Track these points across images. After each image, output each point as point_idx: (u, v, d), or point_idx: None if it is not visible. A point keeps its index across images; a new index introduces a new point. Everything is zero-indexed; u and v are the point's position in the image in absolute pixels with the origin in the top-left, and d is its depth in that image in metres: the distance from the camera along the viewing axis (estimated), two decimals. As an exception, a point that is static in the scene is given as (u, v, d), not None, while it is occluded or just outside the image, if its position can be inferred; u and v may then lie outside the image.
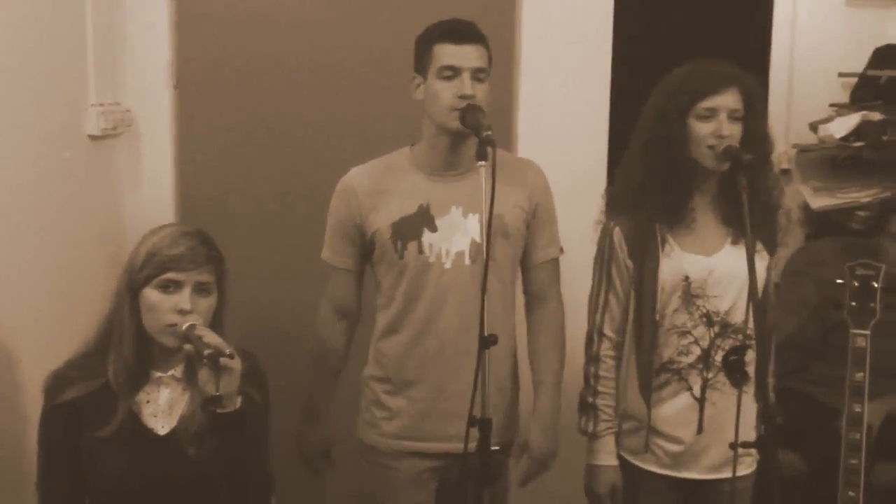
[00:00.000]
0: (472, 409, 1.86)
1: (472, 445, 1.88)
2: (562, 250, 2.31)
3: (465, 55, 2.10)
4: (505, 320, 2.21)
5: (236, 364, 1.71)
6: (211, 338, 1.72)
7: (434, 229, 2.16)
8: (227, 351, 1.70)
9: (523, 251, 2.25)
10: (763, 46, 3.01)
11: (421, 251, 2.16)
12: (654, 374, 2.13)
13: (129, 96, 2.79)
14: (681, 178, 2.08)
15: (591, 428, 2.18)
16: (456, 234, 2.17)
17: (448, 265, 2.16)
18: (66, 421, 1.80)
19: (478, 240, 2.15)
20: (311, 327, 2.33)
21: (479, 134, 1.93)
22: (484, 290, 1.87)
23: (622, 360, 2.18)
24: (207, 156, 2.86)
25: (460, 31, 2.11)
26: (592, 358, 2.19)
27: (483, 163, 1.89)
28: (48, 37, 2.36)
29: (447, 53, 2.10)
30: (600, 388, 2.18)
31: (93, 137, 2.59)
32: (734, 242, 2.12)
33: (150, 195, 2.84)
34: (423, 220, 2.16)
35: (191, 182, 2.87)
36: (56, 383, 1.83)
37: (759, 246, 2.10)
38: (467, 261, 2.16)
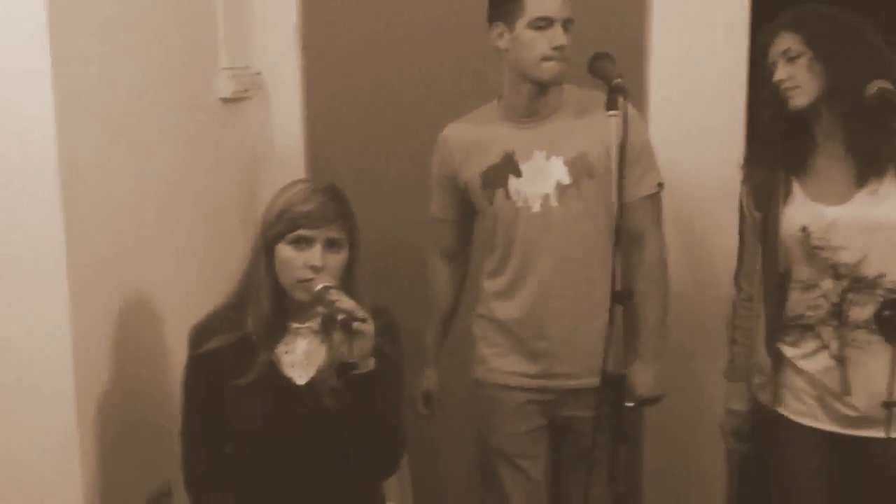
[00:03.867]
0: (605, 365, 1.84)
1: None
2: (661, 185, 2.28)
3: (558, 6, 2.14)
4: (603, 261, 2.15)
5: (369, 328, 1.73)
6: (344, 302, 1.74)
7: (519, 174, 2.23)
8: (360, 315, 1.72)
9: None
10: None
11: (508, 197, 2.23)
12: (784, 329, 2.07)
13: (258, 59, 2.84)
14: (793, 125, 2.05)
15: (726, 372, 2.25)
16: (540, 178, 2.22)
17: (536, 209, 2.22)
18: (209, 369, 1.87)
19: (563, 181, 2.20)
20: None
21: (609, 82, 1.88)
22: (616, 245, 1.85)
23: (756, 311, 2.17)
24: (336, 115, 2.89)
25: None
26: (732, 305, 2.24)
27: (614, 112, 1.84)
28: (181, 3, 2.43)
29: (541, 5, 2.13)
30: (736, 336, 2.23)
31: (224, 100, 2.65)
32: (868, 189, 2.00)
33: (281, 156, 2.89)
34: (508, 166, 2.23)
35: (320, 142, 2.91)
36: (200, 334, 1.90)
37: None
38: (554, 202, 2.21)
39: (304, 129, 2.91)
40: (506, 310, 2.29)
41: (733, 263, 2.24)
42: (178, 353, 2.08)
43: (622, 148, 1.81)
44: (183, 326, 1.97)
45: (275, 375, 1.86)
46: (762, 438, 2.20)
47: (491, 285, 2.32)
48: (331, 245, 1.82)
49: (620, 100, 1.84)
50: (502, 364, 2.31)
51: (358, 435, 1.80)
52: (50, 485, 1.92)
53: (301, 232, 1.81)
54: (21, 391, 1.91)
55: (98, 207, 2.00)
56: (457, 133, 2.31)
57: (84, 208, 1.93)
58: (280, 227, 1.82)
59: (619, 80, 1.87)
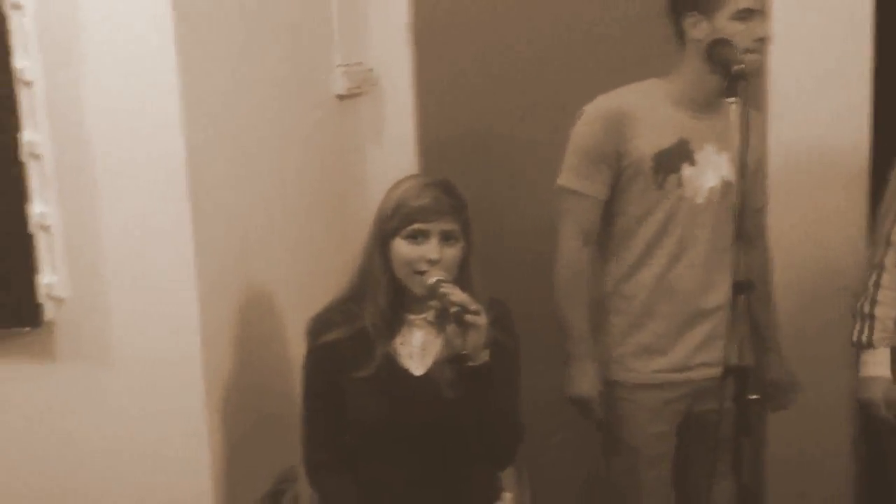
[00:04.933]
0: (728, 358, 1.82)
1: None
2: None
3: None
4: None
5: (482, 320, 1.74)
6: (457, 295, 1.76)
7: (693, 163, 2.18)
8: (473, 307, 1.74)
9: None
10: None
11: (680, 184, 2.18)
12: None
13: (371, 56, 2.88)
14: None
15: (865, 337, 2.15)
16: (709, 171, 2.18)
17: (700, 200, 2.18)
18: (329, 360, 1.92)
19: (727, 177, 2.17)
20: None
21: (729, 68, 1.85)
22: (739, 233, 1.83)
23: None
24: (447, 110, 2.91)
25: None
26: (876, 265, 2.16)
27: (733, 99, 1.81)
28: (298, 2, 2.49)
29: None
30: (880, 298, 2.15)
31: (339, 97, 2.71)
32: None
33: (393, 150, 2.93)
34: (683, 153, 2.18)
35: (432, 137, 2.93)
36: (318, 325, 1.95)
37: None
38: (717, 197, 2.18)
39: (416, 125, 2.94)
40: (646, 303, 2.23)
41: (855, 252, 2.18)
42: (297, 345, 2.14)
43: (744, 132, 1.79)
44: (301, 319, 2.02)
45: (393, 367, 1.90)
46: None
47: (630, 275, 2.24)
48: (446, 238, 1.85)
49: (740, 87, 1.81)
50: (640, 364, 2.26)
51: (474, 426, 1.82)
52: (181, 473, 2.00)
53: (416, 226, 1.84)
54: (153, 384, 1.99)
55: (223, 205, 2.07)
56: (623, 106, 2.20)
57: (210, 206, 2.00)
58: (395, 222, 1.86)
59: (740, 66, 1.83)
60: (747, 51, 2.06)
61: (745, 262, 2.14)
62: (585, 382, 2.26)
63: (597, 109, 2.21)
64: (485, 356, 1.76)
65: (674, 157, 2.17)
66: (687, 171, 2.17)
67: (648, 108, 2.18)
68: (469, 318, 1.73)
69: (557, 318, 2.28)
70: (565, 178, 2.24)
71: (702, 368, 2.23)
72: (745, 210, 1.99)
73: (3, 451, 2.08)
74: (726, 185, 2.18)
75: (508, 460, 1.93)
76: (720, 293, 2.16)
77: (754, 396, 1.82)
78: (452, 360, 1.78)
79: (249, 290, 2.18)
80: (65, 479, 2.07)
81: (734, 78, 1.83)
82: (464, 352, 1.75)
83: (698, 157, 2.18)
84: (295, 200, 2.44)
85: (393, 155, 2.91)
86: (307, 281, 2.43)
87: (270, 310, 2.30)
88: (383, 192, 1.97)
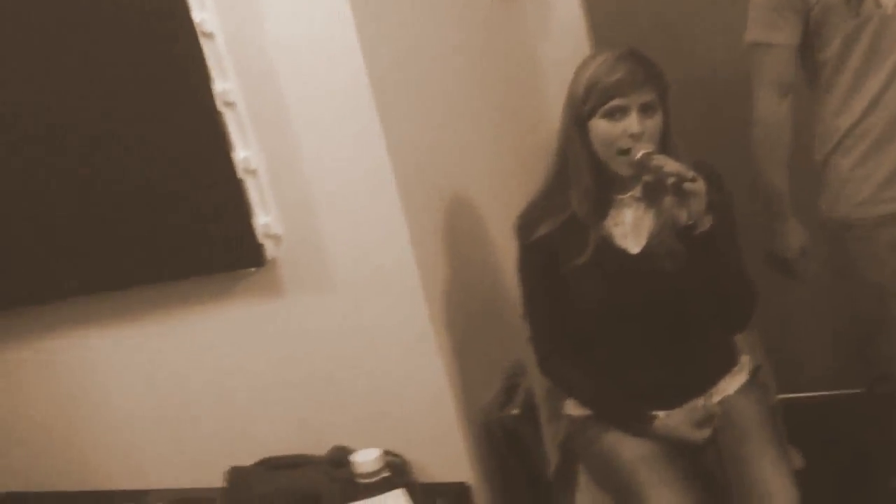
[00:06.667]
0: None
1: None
2: None
3: None
4: None
5: (700, 186, 1.70)
6: (670, 165, 1.72)
7: None
8: (689, 175, 1.69)
9: None
10: None
11: (878, 4, 2.03)
12: None
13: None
14: None
15: None
16: None
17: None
18: (543, 255, 1.93)
19: None
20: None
21: None
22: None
23: None
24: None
25: None
26: None
27: None
28: None
29: None
30: None
31: (503, -6, 2.67)
32: None
33: (561, 41, 2.87)
34: None
35: (601, 24, 2.85)
36: (526, 223, 1.96)
37: None
38: None
39: (584, 14, 2.87)
40: (863, 137, 2.12)
41: None
42: (503, 242, 2.17)
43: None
44: (501, 216, 2.03)
45: (609, 249, 1.89)
46: None
47: (842, 111, 2.14)
48: (645, 110, 1.80)
49: None
50: (876, 198, 2.15)
51: (707, 293, 1.80)
52: (417, 382, 2.08)
53: (615, 102, 1.80)
54: (376, 301, 2.06)
55: (413, 120, 2.09)
56: None
57: (400, 123, 2.03)
58: (592, 102, 1.82)
59: None
60: None
61: None
62: (792, 239, 2.24)
63: None
64: (708, 221, 1.73)
65: None
66: None
67: None
68: (687, 185, 1.68)
69: (758, 176, 2.23)
70: (752, 33, 2.17)
71: None
72: None
73: (247, 387, 2.23)
74: None
75: (745, 322, 1.90)
76: None
77: None
78: (676, 232, 1.75)
79: (450, 197, 2.21)
80: (305, 406, 2.20)
81: None
82: (687, 222, 1.71)
83: None
84: (478, 103, 2.43)
85: (562, 47, 2.85)
86: (501, 181, 2.44)
87: (472, 212, 2.32)
88: (560, 84, 1.94)
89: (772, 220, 2.27)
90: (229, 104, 2.01)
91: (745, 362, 2.01)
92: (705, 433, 1.88)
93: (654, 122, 1.81)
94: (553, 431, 2.06)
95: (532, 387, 2.12)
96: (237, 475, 2.19)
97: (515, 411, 2.07)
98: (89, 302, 2.24)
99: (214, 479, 2.20)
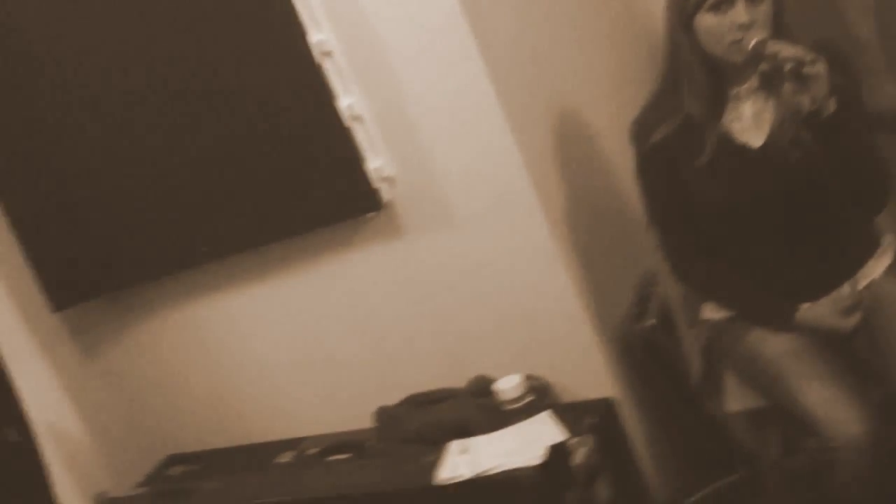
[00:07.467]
0: None
1: None
2: None
3: None
4: None
5: (820, 68, 1.61)
6: (786, 50, 1.63)
7: None
8: (808, 58, 1.60)
9: None
10: None
11: None
12: None
13: None
14: None
15: None
16: None
17: None
18: (662, 160, 1.87)
19: None
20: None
21: None
22: None
23: None
24: None
25: None
26: None
27: None
28: None
29: None
30: None
31: None
32: None
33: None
34: None
35: None
36: (641, 129, 1.90)
37: None
38: None
39: None
40: None
41: None
42: (617, 153, 2.13)
43: None
44: (612, 126, 1.98)
45: (730, 146, 1.82)
46: None
47: None
48: (751, -2, 1.71)
49: None
50: None
51: (839, 178, 1.73)
52: (549, 303, 2.09)
53: None
54: (498, 231, 2.07)
55: (510, 42, 2.06)
56: None
57: (498, 46, 2.00)
58: (695, -2, 1.74)
59: None
60: None
61: None
62: None
63: None
64: (832, 105, 1.64)
65: None
66: None
67: None
68: (807, 69, 1.60)
69: None
70: None
71: None
72: None
73: (381, 329, 2.27)
74: None
75: (883, 202, 1.81)
76: None
77: None
78: (799, 120, 1.67)
79: (558, 113, 2.17)
80: (441, 341, 2.23)
81: None
82: (810, 108, 1.64)
83: None
84: (573, 12, 2.36)
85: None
86: (609, 89, 2.37)
87: (583, 125, 2.28)
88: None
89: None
90: (326, 53, 2.03)
91: (890, 242, 1.92)
92: (853, 320, 1.82)
93: (763, 7, 1.72)
94: (692, 338, 2.03)
95: (666, 295, 2.09)
96: (385, 414, 2.25)
97: (652, 321, 2.04)
98: (222, 266, 2.32)
99: (363, 420, 2.28)
